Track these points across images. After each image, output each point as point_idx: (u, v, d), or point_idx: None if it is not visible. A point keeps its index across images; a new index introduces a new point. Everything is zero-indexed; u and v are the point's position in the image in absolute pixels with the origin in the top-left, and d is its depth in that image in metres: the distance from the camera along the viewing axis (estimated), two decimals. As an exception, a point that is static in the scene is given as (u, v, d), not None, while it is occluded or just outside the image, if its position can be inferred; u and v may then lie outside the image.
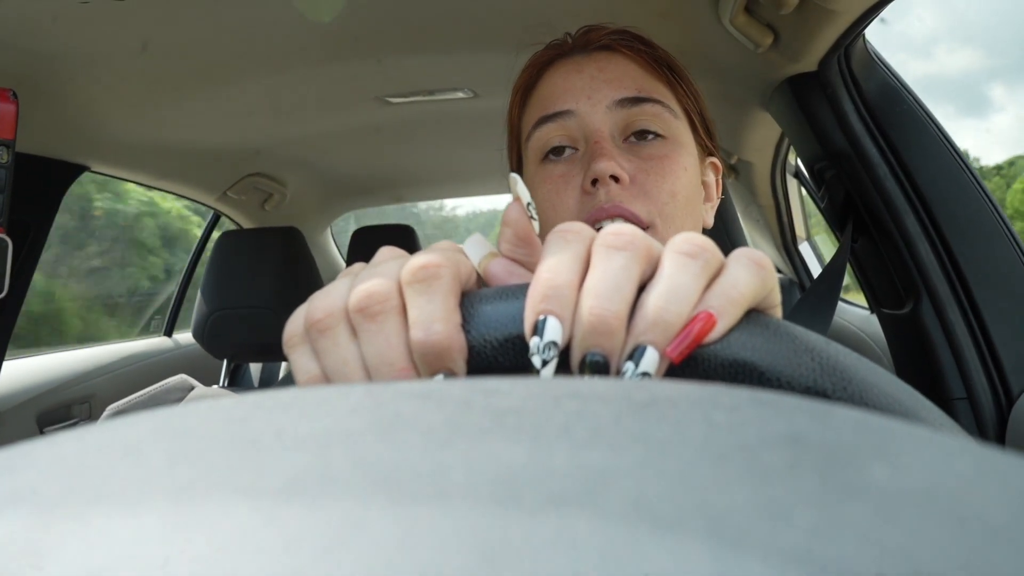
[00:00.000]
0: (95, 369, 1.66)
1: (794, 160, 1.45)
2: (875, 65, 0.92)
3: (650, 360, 0.25)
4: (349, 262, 2.27)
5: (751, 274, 0.27)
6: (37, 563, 0.10)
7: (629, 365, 0.25)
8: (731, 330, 0.26)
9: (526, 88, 0.66)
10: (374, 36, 1.05)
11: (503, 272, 0.31)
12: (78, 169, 1.31)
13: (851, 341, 1.52)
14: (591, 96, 0.59)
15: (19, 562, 0.11)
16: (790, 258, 1.77)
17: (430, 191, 2.48)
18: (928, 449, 0.14)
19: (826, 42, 0.84)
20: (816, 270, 1.74)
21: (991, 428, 0.83)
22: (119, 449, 0.14)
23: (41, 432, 1.46)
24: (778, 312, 0.29)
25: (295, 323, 0.30)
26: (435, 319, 0.27)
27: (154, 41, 0.97)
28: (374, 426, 0.15)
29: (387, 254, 0.32)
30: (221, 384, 1.90)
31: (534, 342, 0.26)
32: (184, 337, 2.05)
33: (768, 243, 1.86)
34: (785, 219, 1.68)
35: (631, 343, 0.26)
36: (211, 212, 2.04)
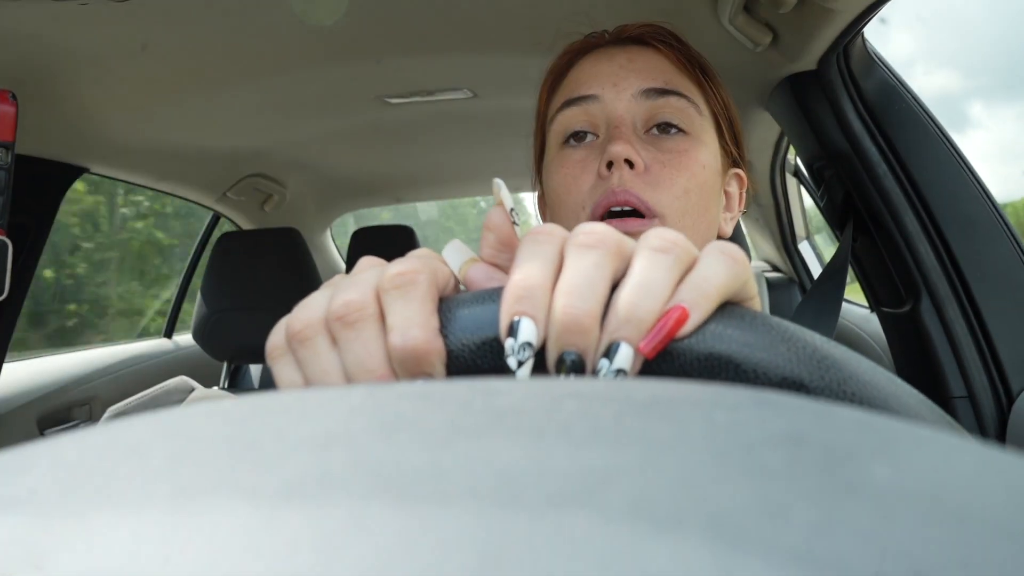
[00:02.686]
0: (95, 371, 1.66)
1: (793, 159, 1.45)
2: (874, 64, 0.92)
3: (624, 356, 0.25)
4: (349, 263, 2.27)
5: (723, 267, 0.27)
6: (38, 564, 0.10)
7: (604, 362, 0.26)
8: (705, 323, 0.26)
9: (557, 74, 0.66)
10: (373, 37, 1.05)
11: (483, 277, 0.31)
12: (77, 171, 1.31)
13: (851, 340, 1.53)
14: (617, 84, 0.60)
15: (20, 564, 0.11)
16: (790, 257, 1.77)
17: (430, 191, 2.48)
18: (928, 448, 0.14)
19: (825, 41, 0.84)
20: (815, 269, 1.74)
21: (991, 427, 0.83)
22: (120, 451, 0.14)
23: (41, 434, 1.46)
24: (755, 304, 0.29)
25: (277, 335, 0.30)
26: (412, 324, 0.27)
27: (153, 42, 0.97)
28: (374, 427, 0.15)
29: (366, 263, 0.32)
30: (221, 386, 1.90)
31: (509, 343, 0.26)
32: (184, 339, 2.05)
33: (768, 242, 1.86)
34: (785, 218, 1.68)
35: (605, 340, 0.26)
36: (211, 213, 2.04)
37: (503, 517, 0.11)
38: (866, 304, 1.33)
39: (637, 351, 0.26)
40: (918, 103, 0.92)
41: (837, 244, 1.03)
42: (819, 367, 0.25)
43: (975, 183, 0.88)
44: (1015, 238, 0.86)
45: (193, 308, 1.65)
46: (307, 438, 0.14)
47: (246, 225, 2.05)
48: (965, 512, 0.11)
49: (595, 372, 0.26)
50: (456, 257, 0.32)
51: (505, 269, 0.32)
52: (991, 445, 0.14)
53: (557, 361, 0.26)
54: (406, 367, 0.27)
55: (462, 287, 0.32)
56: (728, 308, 0.27)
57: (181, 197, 1.79)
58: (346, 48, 1.09)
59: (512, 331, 0.26)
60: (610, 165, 0.56)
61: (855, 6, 0.76)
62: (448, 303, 0.29)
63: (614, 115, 0.59)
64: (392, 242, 2.05)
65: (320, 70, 1.17)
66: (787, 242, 1.74)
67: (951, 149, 0.89)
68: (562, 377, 0.25)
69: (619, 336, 0.26)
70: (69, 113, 1.14)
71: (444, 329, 0.28)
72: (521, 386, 0.17)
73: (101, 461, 0.14)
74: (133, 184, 1.57)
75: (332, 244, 2.56)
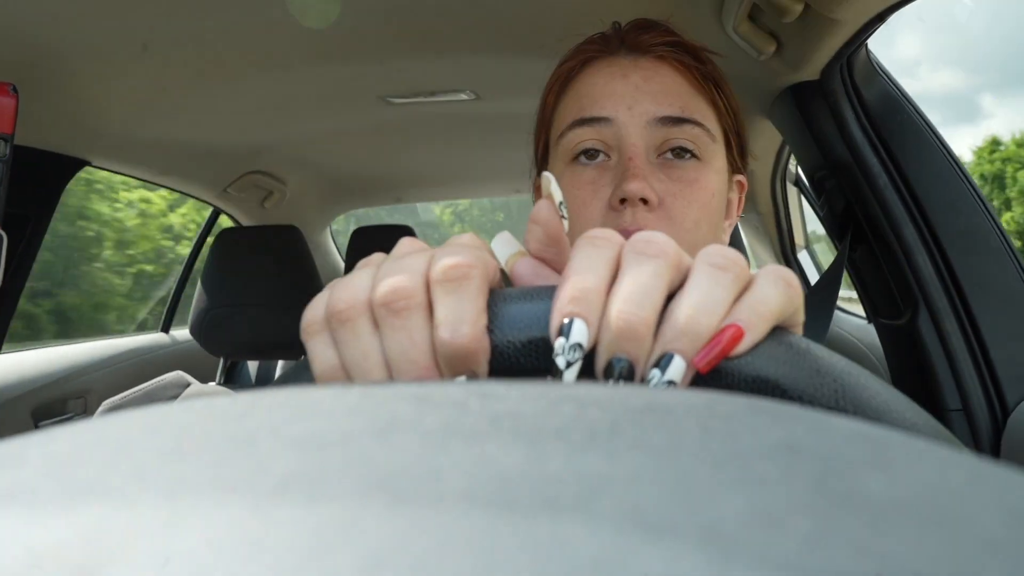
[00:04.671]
0: (91, 364, 1.66)
1: (794, 168, 1.45)
2: (876, 75, 0.93)
3: (677, 368, 0.25)
4: (348, 262, 2.27)
5: (779, 291, 0.27)
6: (34, 561, 0.10)
7: (655, 372, 0.26)
8: (757, 345, 0.26)
9: (565, 78, 0.64)
10: (376, 36, 1.06)
11: (530, 272, 0.31)
12: (78, 163, 1.31)
13: (848, 350, 1.53)
14: (632, 107, 0.58)
15: (15, 559, 0.11)
16: (788, 266, 1.78)
17: (431, 192, 2.49)
18: (923, 460, 0.14)
19: (829, 51, 0.84)
20: (814, 279, 1.74)
21: (986, 439, 0.83)
22: (114, 445, 0.14)
23: (36, 427, 1.46)
24: (800, 331, 0.29)
25: (315, 310, 0.30)
26: (463, 321, 0.27)
27: (157, 37, 0.97)
28: (370, 427, 0.15)
29: (409, 247, 0.31)
30: (217, 382, 1.90)
31: (559, 343, 0.26)
32: (181, 334, 2.04)
33: (767, 251, 1.86)
34: (784, 227, 1.68)
35: (658, 350, 0.26)
36: (211, 209, 2.04)
37: (497, 521, 0.11)
38: (863, 315, 1.34)
39: (690, 364, 0.26)
40: (919, 114, 0.92)
41: (836, 254, 1.03)
42: (859, 403, 0.25)
43: (975, 195, 0.88)
44: (1013, 251, 0.86)
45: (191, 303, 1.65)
46: (302, 437, 0.14)
47: (246, 221, 2.05)
48: (959, 524, 0.11)
49: (645, 381, 0.26)
50: (504, 249, 0.32)
51: (551, 264, 0.31)
52: (986, 458, 0.14)
53: (606, 367, 0.26)
54: (451, 363, 0.27)
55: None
56: (779, 333, 0.27)
57: (182, 192, 1.79)
58: (349, 47, 1.09)
59: (563, 331, 0.26)
60: (623, 200, 0.55)
61: (859, 17, 0.76)
62: (495, 298, 0.28)
63: (627, 142, 0.57)
64: (392, 242, 2.04)
65: (323, 68, 1.17)
66: (786, 251, 1.75)
67: (951, 161, 0.90)
68: (610, 383, 0.25)
69: (674, 347, 0.26)
70: (71, 106, 1.14)
71: (490, 324, 0.27)
72: (518, 389, 0.17)
73: (95, 455, 0.14)
74: (134, 178, 1.57)
75: (332, 243, 2.56)
